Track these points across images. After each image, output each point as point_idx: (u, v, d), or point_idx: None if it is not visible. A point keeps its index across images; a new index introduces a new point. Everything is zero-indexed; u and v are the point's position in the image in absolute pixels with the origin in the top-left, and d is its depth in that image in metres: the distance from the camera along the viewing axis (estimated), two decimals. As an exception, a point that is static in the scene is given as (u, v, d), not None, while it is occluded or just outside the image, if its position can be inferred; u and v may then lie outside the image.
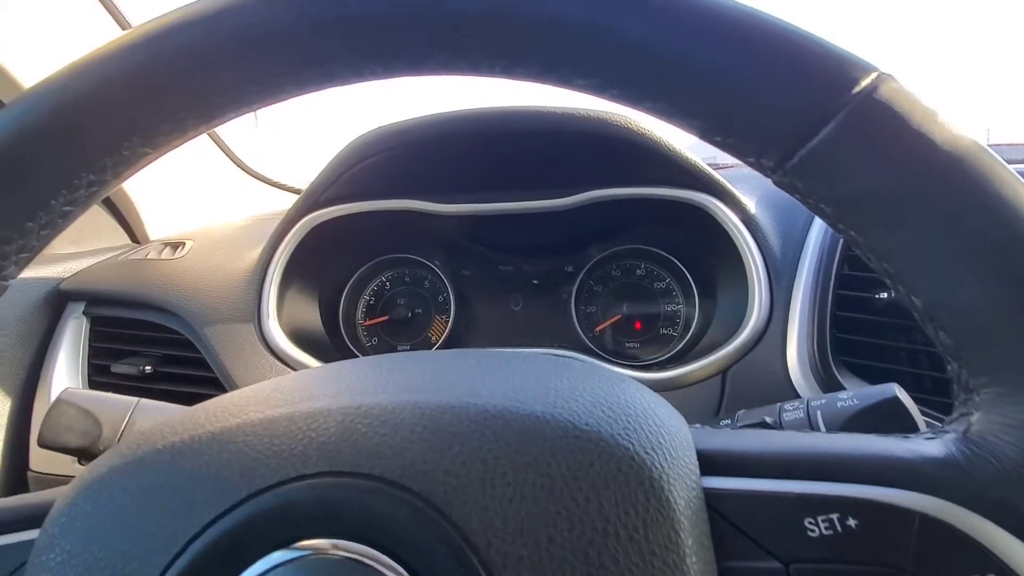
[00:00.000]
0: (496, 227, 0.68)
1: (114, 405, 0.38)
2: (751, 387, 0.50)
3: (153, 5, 0.76)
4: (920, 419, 0.29)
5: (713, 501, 0.19)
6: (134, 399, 0.39)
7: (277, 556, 0.18)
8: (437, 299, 0.75)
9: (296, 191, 1.11)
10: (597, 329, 0.71)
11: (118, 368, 0.62)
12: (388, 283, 0.76)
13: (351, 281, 0.74)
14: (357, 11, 0.20)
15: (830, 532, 0.18)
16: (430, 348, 0.73)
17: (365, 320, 0.75)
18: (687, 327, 0.68)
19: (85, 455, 0.36)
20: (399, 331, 0.75)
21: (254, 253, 0.65)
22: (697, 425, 0.23)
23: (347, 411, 0.20)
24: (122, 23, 0.72)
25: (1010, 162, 0.22)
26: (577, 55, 0.21)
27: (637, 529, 0.17)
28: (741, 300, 0.55)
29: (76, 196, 0.24)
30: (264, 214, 0.92)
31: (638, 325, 0.70)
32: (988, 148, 0.19)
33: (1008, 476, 0.17)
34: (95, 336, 0.65)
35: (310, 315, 0.68)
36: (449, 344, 0.72)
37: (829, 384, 0.46)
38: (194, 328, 0.60)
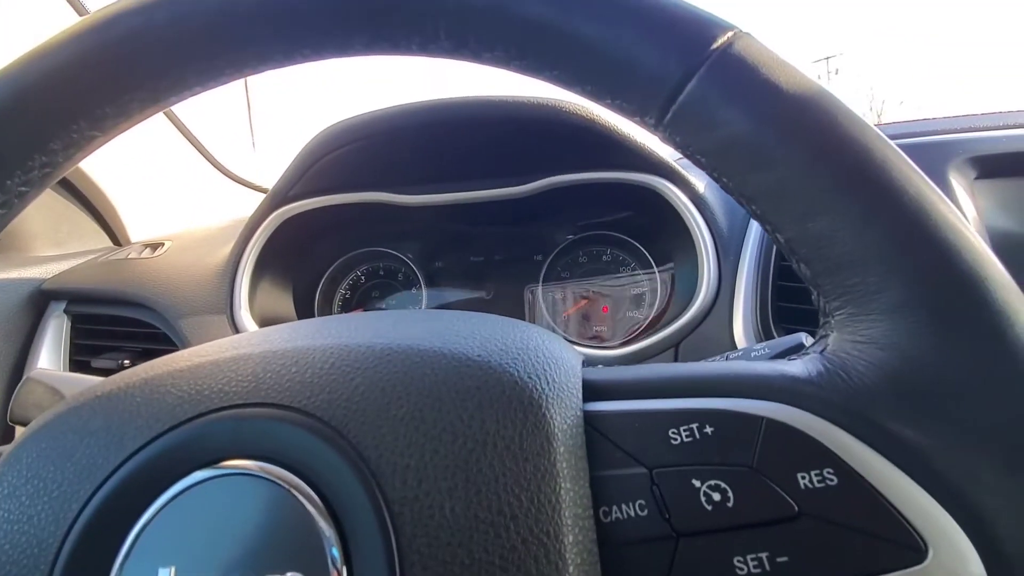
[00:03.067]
0: (462, 215, 0.71)
1: (80, 383, 0.40)
2: (701, 358, 0.52)
3: None
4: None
5: (593, 421, 0.21)
6: (100, 379, 0.41)
7: (192, 478, 0.20)
8: (411, 290, 0.77)
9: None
10: (565, 314, 0.73)
11: (98, 363, 0.64)
12: (363, 277, 0.79)
13: (326, 275, 0.77)
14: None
15: (689, 439, 0.20)
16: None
17: (340, 312, 0.77)
18: (650, 308, 0.70)
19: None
20: (374, 322, 0.77)
21: (227, 250, 0.67)
22: (599, 366, 0.25)
23: (266, 355, 0.22)
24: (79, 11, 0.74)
25: (894, 137, 0.24)
26: (481, 32, 0.23)
27: (513, 440, 0.19)
28: (693, 276, 0.58)
29: (30, 177, 0.26)
30: (242, 216, 0.95)
31: (605, 309, 0.72)
32: (831, 92, 0.21)
33: (854, 386, 0.19)
34: (76, 333, 0.68)
35: (284, 306, 0.70)
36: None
37: (770, 350, 0.48)
38: (170, 321, 0.62)
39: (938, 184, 0.47)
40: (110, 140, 0.28)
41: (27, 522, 0.20)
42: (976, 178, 0.47)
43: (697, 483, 0.19)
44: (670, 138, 0.23)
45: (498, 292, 0.77)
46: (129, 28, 0.24)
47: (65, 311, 0.68)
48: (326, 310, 0.77)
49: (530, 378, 0.21)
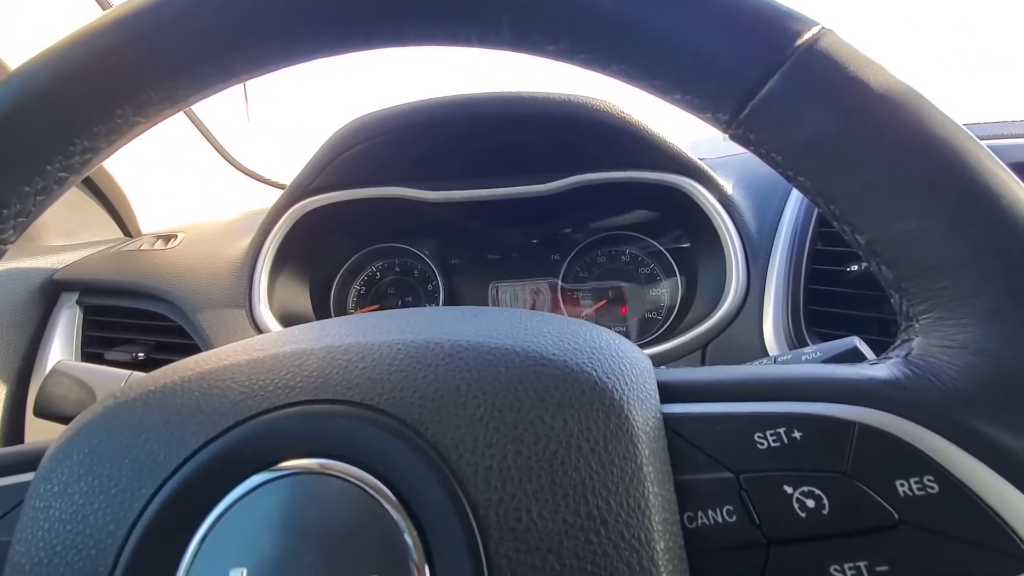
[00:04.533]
0: (482, 213, 0.70)
1: (108, 376, 0.39)
2: (730, 360, 0.52)
3: None
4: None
5: (672, 423, 0.20)
6: (126, 372, 0.40)
7: (261, 477, 0.19)
8: (427, 287, 0.76)
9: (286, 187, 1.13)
10: (583, 315, 0.72)
11: (111, 356, 0.63)
12: (379, 272, 0.78)
13: (342, 269, 0.76)
14: None
15: (777, 444, 0.19)
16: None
17: (356, 308, 0.77)
18: (670, 310, 0.70)
19: (80, 424, 0.37)
20: (389, 319, 0.76)
21: (245, 242, 0.66)
22: (664, 367, 0.24)
23: (328, 350, 0.22)
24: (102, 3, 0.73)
25: (983, 138, 0.23)
26: (546, 22, 0.22)
27: (598, 442, 0.18)
28: (720, 278, 0.57)
29: (71, 163, 0.25)
30: (255, 209, 0.94)
31: (623, 309, 0.72)
32: (920, 92, 0.20)
33: (947, 391, 0.19)
34: (88, 325, 0.66)
35: (301, 300, 0.69)
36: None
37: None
38: (187, 314, 0.61)
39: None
40: (152, 126, 0.27)
41: (82, 521, 0.19)
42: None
43: (789, 489, 0.18)
44: (742, 136, 0.22)
45: (515, 290, 0.76)
46: (181, 11, 0.23)
47: (77, 302, 0.67)
48: (342, 305, 0.76)
49: (608, 378, 0.20)
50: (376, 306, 0.76)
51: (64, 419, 0.37)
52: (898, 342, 0.22)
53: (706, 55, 0.21)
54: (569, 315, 0.73)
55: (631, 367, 0.21)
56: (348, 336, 0.23)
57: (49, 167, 0.25)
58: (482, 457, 0.18)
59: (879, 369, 0.21)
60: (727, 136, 0.23)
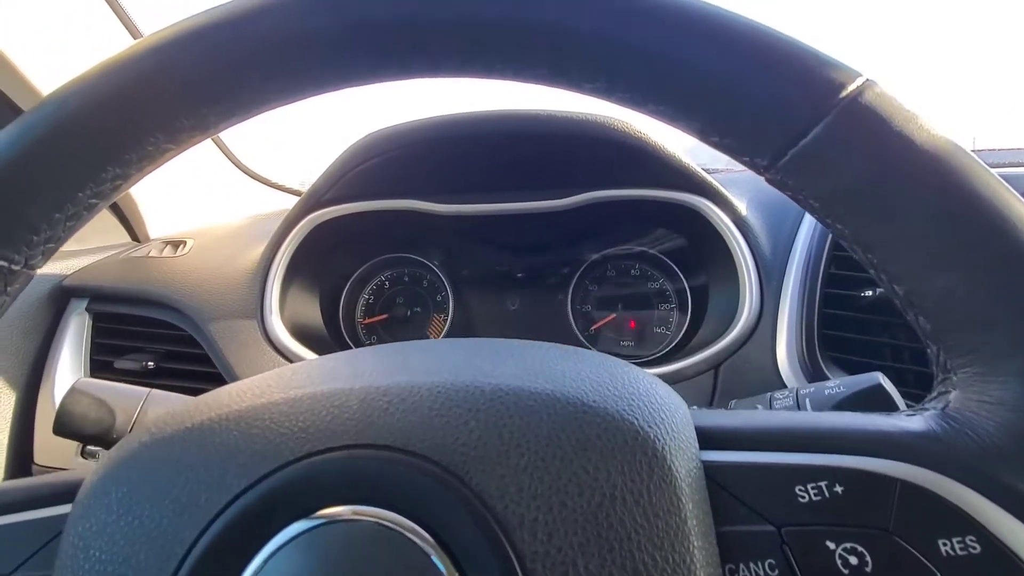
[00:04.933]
0: (495, 227, 0.70)
1: (127, 394, 0.39)
2: (741, 382, 0.52)
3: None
4: (902, 404, 0.30)
5: (711, 472, 0.20)
6: (145, 389, 0.40)
7: (303, 524, 0.19)
8: (435, 298, 0.76)
9: (294, 192, 1.12)
10: (592, 328, 0.72)
11: (121, 364, 0.63)
12: (387, 282, 0.78)
13: (352, 279, 0.76)
14: (383, 15, 0.22)
15: (819, 498, 0.19)
16: (429, 346, 0.74)
17: (364, 318, 0.77)
18: (679, 326, 0.70)
19: (99, 442, 0.37)
20: (398, 329, 0.76)
21: (256, 251, 0.66)
22: (695, 407, 0.25)
23: (368, 391, 0.22)
24: (134, 33, 0.73)
25: (993, 166, 0.24)
26: (585, 61, 0.22)
27: (642, 494, 0.18)
28: (732, 298, 0.57)
29: (102, 189, 0.25)
30: (263, 214, 0.93)
31: (632, 324, 0.72)
32: (965, 148, 0.20)
33: (986, 448, 0.19)
34: (98, 332, 0.66)
35: (311, 311, 0.69)
36: (447, 342, 0.73)
37: (816, 378, 0.48)
38: (197, 324, 0.61)
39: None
40: (183, 152, 0.27)
41: (124, 563, 0.19)
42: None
43: (831, 545, 0.18)
44: (780, 181, 0.23)
45: (523, 303, 0.76)
46: (217, 41, 0.23)
47: (87, 309, 0.67)
48: (351, 315, 0.76)
49: (650, 427, 0.20)
50: (384, 316, 0.76)
51: (83, 437, 0.37)
52: (934, 393, 0.22)
53: (748, 102, 0.21)
54: (579, 329, 0.73)
55: (671, 414, 0.21)
56: (387, 375, 0.23)
57: (80, 194, 0.25)
58: (528, 508, 0.18)
59: (916, 421, 0.21)
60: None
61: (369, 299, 0.77)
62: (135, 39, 0.77)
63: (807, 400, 0.32)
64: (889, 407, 0.31)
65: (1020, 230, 0.19)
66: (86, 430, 0.36)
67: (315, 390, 0.22)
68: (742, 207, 0.59)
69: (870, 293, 0.49)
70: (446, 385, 0.21)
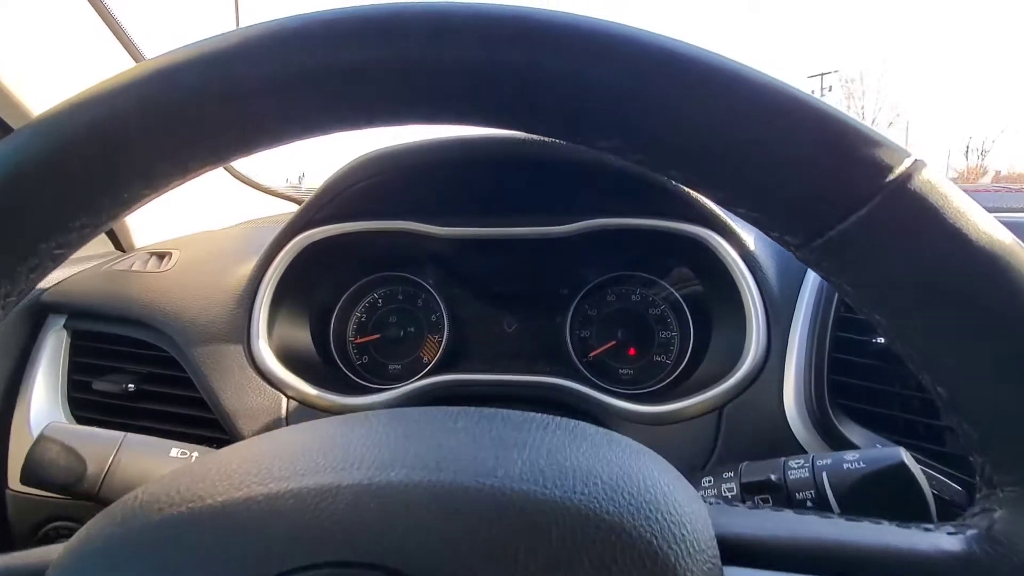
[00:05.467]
0: (492, 251, 0.68)
1: (99, 441, 0.36)
2: (747, 426, 0.51)
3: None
4: (927, 487, 0.29)
5: None
6: (120, 434, 0.37)
7: None
8: (430, 318, 0.74)
9: (286, 196, 1.10)
10: (592, 355, 0.70)
11: (100, 385, 0.60)
12: (380, 300, 0.75)
13: (343, 298, 0.73)
14: (387, 60, 0.20)
15: None
16: (422, 368, 0.72)
17: (356, 338, 0.74)
18: (681, 355, 0.68)
19: (69, 492, 0.35)
20: (390, 350, 0.74)
21: (243, 269, 0.63)
22: (713, 500, 0.23)
23: (358, 489, 0.20)
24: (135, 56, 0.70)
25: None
26: (597, 118, 0.20)
27: None
28: (738, 335, 0.55)
29: (69, 239, 0.23)
30: (253, 221, 0.91)
31: (632, 351, 0.70)
32: (1020, 243, 0.19)
33: None
34: (76, 351, 0.63)
35: (301, 335, 0.66)
36: (442, 365, 0.71)
37: (825, 427, 0.46)
38: (180, 347, 0.59)
39: None
40: (159, 196, 0.25)
41: None
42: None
43: None
44: (813, 260, 0.21)
45: (521, 325, 0.74)
46: (202, 80, 0.21)
47: (65, 326, 0.64)
48: (342, 334, 0.73)
49: (671, 547, 0.18)
50: (377, 336, 0.74)
51: (53, 486, 0.35)
52: (977, 509, 0.20)
53: (784, 177, 0.19)
54: (577, 355, 0.71)
55: (692, 527, 0.19)
56: (381, 468, 0.20)
57: (44, 245, 0.22)
58: None
59: (957, 542, 0.19)
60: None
61: (361, 317, 0.75)
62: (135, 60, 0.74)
63: (824, 475, 0.31)
64: (912, 488, 0.29)
65: None
66: (56, 479, 0.34)
67: (299, 485, 0.20)
68: (750, 241, 0.57)
69: (882, 340, 0.47)
70: (444, 486, 0.19)
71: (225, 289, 0.62)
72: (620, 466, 0.21)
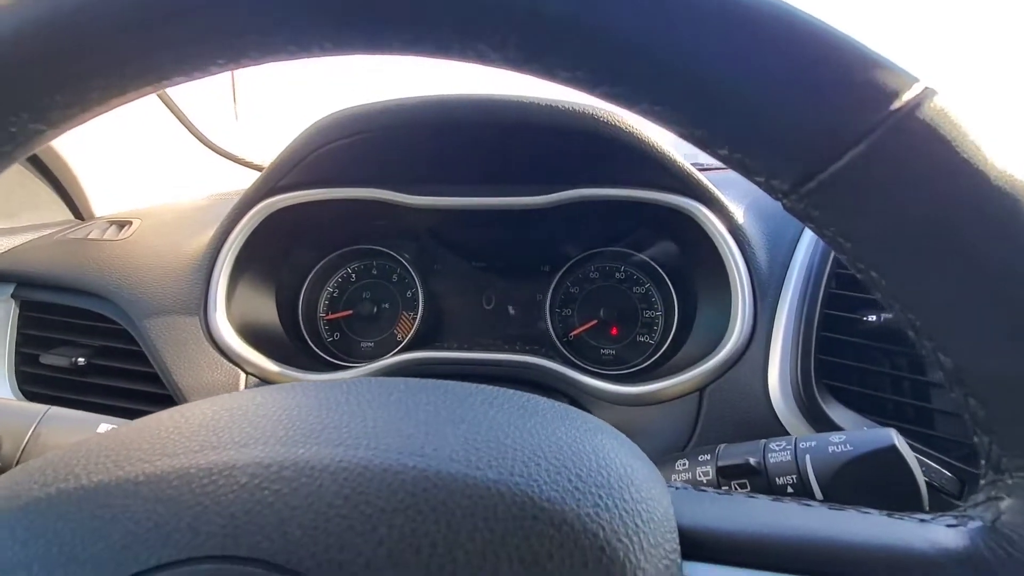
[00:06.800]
0: (470, 222, 0.64)
1: (17, 415, 0.33)
2: (729, 407, 0.48)
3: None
4: (919, 473, 0.26)
5: None
6: (43, 407, 0.34)
7: None
8: (405, 294, 0.71)
9: (260, 168, 1.05)
10: (572, 334, 0.68)
11: (47, 359, 0.57)
12: (353, 275, 0.72)
13: (313, 272, 0.70)
14: None
15: None
16: (396, 346, 0.69)
17: (327, 314, 0.71)
18: (665, 335, 0.65)
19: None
20: (363, 327, 0.70)
21: (204, 238, 0.60)
22: (680, 485, 0.20)
23: (255, 470, 0.16)
24: None
25: None
26: (560, 45, 0.17)
27: None
28: (723, 313, 0.53)
29: None
30: (224, 192, 0.86)
31: (614, 331, 0.67)
32: None
33: None
34: (24, 322, 0.60)
35: (265, 308, 0.63)
36: (417, 342, 0.68)
37: (811, 409, 0.44)
38: (133, 319, 0.55)
39: None
40: (58, 136, 0.21)
41: None
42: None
43: None
44: (803, 211, 0.17)
45: (499, 302, 0.71)
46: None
47: (12, 296, 0.60)
48: (312, 311, 0.70)
49: (620, 541, 0.15)
50: (349, 312, 0.70)
51: None
52: (981, 498, 0.17)
53: (766, 108, 0.16)
54: (557, 334, 0.68)
55: (649, 515, 0.16)
56: (286, 444, 0.17)
57: None
58: None
59: (959, 537, 0.16)
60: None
61: (333, 292, 0.71)
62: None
63: (807, 458, 0.28)
64: (903, 473, 0.26)
65: None
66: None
67: (188, 462, 0.17)
68: (739, 213, 0.54)
69: (873, 318, 0.44)
70: (355, 465, 0.16)
71: (183, 258, 0.58)
72: (571, 445, 0.18)
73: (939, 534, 0.16)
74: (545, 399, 0.21)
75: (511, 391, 0.21)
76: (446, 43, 0.18)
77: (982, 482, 0.17)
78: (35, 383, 0.58)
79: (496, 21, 0.17)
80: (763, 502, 0.19)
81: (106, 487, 0.17)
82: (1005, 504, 0.16)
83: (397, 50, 0.19)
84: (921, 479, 0.26)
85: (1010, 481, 0.16)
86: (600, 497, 0.16)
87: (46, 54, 0.18)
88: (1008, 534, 0.16)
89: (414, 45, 0.18)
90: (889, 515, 0.18)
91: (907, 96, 0.15)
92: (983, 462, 0.17)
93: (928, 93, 0.15)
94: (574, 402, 0.56)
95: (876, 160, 0.15)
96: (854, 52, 0.16)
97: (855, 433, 0.28)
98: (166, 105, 0.87)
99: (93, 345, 0.58)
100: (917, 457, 0.27)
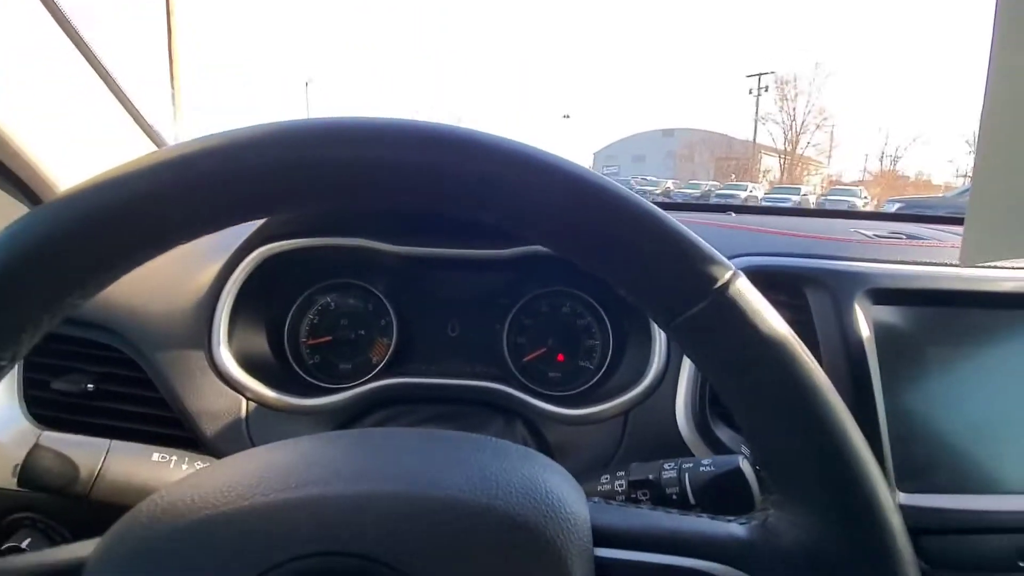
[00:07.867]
0: (440, 267, 0.75)
1: (88, 447, 0.41)
2: (647, 429, 0.61)
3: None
4: (755, 487, 0.39)
5: (601, 567, 0.28)
6: (106, 441, 0.42)
7: None
8: (379, 322, 0.81)
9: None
10: (525, 359, 0.80)
11: (58, 385, 0.63)
12: (333, 304, 0.81)
13: (297, 302, 0.78)
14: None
15: None
16: (372, 368, 0.78)
17: (308, 339, 0.80)
18: (602, 362, 0.79)
19: (64, 494, 0.40)
20: (342, 352, 0.80)
21: (205, 276, 0.67)
22: (596, 500, 0.32)
23: (339, 500, 0.27)
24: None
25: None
26: (465, 201, 0.27)
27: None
28: (646, 349, 0.66)
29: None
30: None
31: (560, 357, 0.80)
32: (795, 338, 0.28)
33: (784, 554, 0.27)
34: (32, 350, 0.65)
35: (258, 339, 0.71)
36: (390, 365, 0.78)
37: (704, 431, 0.58)
38: (141, 350, 0.62)
39: (846, 308, 0.56)
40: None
41: None
42: (874, 303, 0.58)
43: None
44: (674, 336, 0.30)
45: (463, 330, 0.82)
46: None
47: (20, 326, 0.66)
48: (295, 337, 0.79)
49: (558, 536, 0.27)
50: (329, 338, 0.80)
51: (49, 488, 0.40)
52: (759, 508, 0.30)
53: (649, 275, 0.28)
54: (512, 359, 0.80)
55: (574, 517, 0.28)
56: (351, 482, 0.28)
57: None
58: None
59: (744, 530, 0.29)
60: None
61: (314, 320, 0.80)
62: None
63: (686, 475, 0.41)
64: (745, 488, 0.40)
65: (826, 420, 0.27)
66: (52, 483, 0.39)
67: (293, 496, 0.27)
68: None
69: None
70: (404, 496, 0.27)
71: (186, 295, 0.66)
72: (531, 479, 0.30)
73: (736, 529, 0.29)
74: (512, 445, 0.33)
75: (489, 439, 0.33)
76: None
77: (761, 497, 0.30)
78: (45, 406, 0.64)
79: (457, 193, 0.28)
80: (645, 510, 0.31)
81: (241, 512, 0.27)
82: (771, 515, 0.29)
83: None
84: (756, 490, 0.40)
85: (772, 498, 0.29)
86: (545, 508, 0.28)
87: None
88: (772, 528, 0.28)
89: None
90: (711, 517, 0.30)
91: (724, 278, 0.27)
92: (761, 487, 0.31)
93: (736, 276, 0.28)
94: (527, 420, 0.68)
95: (707, 315, 0.28)
96: (698, 249, 0.28)
97: (719, 458, 0.41)
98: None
99: (99, 372, 0.65)
100: (757, 474, 0.41)
